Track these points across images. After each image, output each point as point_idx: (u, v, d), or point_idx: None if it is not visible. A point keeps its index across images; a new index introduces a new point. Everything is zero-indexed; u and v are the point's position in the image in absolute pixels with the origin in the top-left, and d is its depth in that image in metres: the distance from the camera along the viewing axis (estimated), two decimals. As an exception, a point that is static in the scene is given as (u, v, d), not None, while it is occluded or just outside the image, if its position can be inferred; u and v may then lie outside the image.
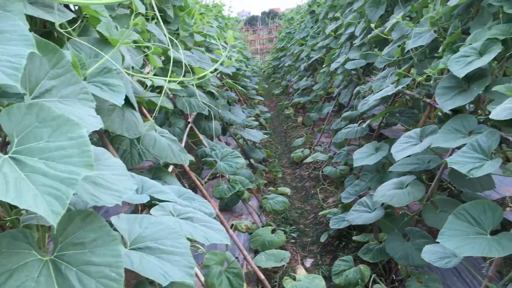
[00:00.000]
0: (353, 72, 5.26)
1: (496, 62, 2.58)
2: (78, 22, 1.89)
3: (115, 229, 1.21)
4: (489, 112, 2.06)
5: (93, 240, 0.95)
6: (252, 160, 5.05)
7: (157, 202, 1.51)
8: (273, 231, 3.39)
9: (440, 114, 2.77)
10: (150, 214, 1.41)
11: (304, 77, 8.55)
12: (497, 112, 1.96)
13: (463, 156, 2.00)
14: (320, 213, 3.95)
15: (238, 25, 18.71)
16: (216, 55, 4.70)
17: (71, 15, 1.71)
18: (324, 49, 7.29)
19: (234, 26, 16.73)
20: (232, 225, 3.22)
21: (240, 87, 5.32)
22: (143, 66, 2.86)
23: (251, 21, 43.48)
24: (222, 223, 2.78)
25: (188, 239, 1.37)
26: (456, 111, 2.76)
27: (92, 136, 2.60)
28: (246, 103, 8.03)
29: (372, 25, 3.96)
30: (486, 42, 2.36)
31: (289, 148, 6.63)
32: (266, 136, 6.85)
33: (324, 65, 6.56)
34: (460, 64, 2.40)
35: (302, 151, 5.83)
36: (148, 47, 2.57)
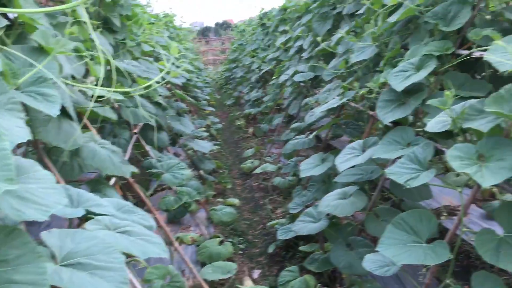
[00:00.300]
0: (302, 84, 5.36)
1: (433, 76, 2.71)
2: (13, 29, 1.83)
3: (45, 245, 1.17)
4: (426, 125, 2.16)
5: (17, 257, 0.91)
6: (201, 171, 5.01)
7: (93, 216, 1.47)
8: (220, 242, 3.37)
9: (380, 126, 2.85)
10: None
11: (255, 88, 8.62)
12: (432, 125, 2.05)
13: (401, 167, 2.07)
14: (269, 223, 3.97)
15: (190, 36, 18.67)
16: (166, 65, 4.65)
17: (4, 22, 1.64)
18: (275, 61, 7.40)
19: (187, 36, 16.68)
20: (177, 237, 3.17)
21: (189, 98, 5.28)
22: (87, 75, 2.79)
23: (204, 32, 43.55)
24: (167, 235, 2.74)
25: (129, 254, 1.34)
26: (397, 123, 2.86)
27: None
28: (197, 114, 7.99)
29: (319, 39, 4.05)
30: (423, 57, 2.47)
31: (239, 159, 6.64)
32: (216, 147, 6.83)
33: (274, 77, 6.64)
34: (399, 79, 2.50)
35: (252, 162, 5.85)
36: (92, 57, 2.51)
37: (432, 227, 1.93)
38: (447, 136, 2.16)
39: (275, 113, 7.13)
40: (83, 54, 2.23)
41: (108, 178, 2.35)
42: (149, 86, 2.66)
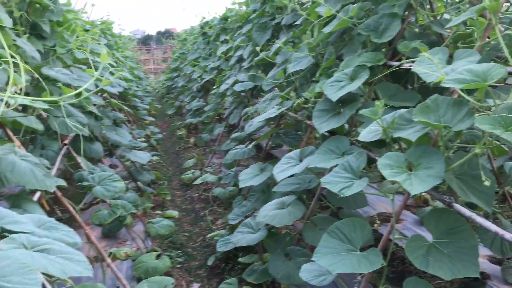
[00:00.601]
0: (243, 93, 5.36)
1: (368, 86, 2.78)
2: None
3: None
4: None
5: None
6: (139, 183, 4.86)
7: (8, 234, 1.35)
8: (158, 256, 3.26)
9: (317, 135, 2.88)
10: (-3, 249, 1.25)
11: (197, 98, 8.54)
12: (364, 134, 2.09)
13: (335, 176, 2.09)
14: (209, 235, 3.90)
15: (130, 44, 18.26)
16: (102, 73, 4.49)
17: None
18: (216, 70, 7.37)
19: (126, 44, 16.30)
20: (110, 253, 3.03)
21: (125, 107, 5.13)
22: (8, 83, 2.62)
23: (146, 40, 42.81)
24: (99, 251, 2.61)
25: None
26: (334, 133, 2.90)
27: None
28: (137, 124, 7.78)
29: (258, 49, 4.07)
30: (356, 68, 2.53)
31: (180, 170, 6.52)
32: (156, 157, 6.67)
33: (215, 87, 6.60)
34: (333, 88, 2.53)
35: (193, 173, 5.76)
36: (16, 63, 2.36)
37: (365, 235, 1.95)
38: (381, 145, 2.21)
39: (216, 123, 7.09)
40: (6, 60, 2.09)
41: (33, 192, 2.20)
42: (80, 94, 2.53)
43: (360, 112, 1.99)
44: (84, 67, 3.96)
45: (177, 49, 15.48)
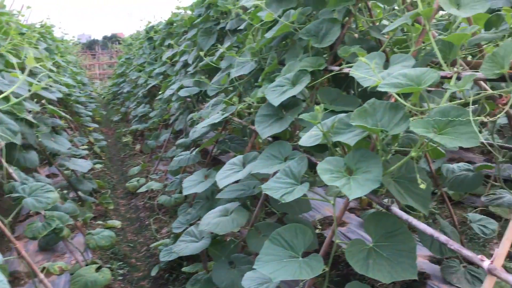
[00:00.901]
0: (188, 99, 5.27)
1: (310, 91, 2.78)
2: None
3: None
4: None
5: None
6: (80, 192, 4.66)
7: None
8: (98, 269, 3.11)
9: (260, 141, 2.85)
10: None
11: (142, 103, 8.34)
12: (305, 139, 2.08)
13: (277, 182, 2.06)
14: (152, 245, 3.78)
15: (74, 48, 17.68)
16: (39, 78, 4.27)
17: None
18: (162, 75, 7.22)
19: (70, 49, 15.76)
20: (43, 268, 2.86)
21: (64, 114, 4.90)
22: None
23: (91, 45, 41.62)
24: (30, 266, 2.45)
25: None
26: (278, 138, 2.89)
27: None
28: (79, 131, 7.49)
29: (202, 54, 4.00)
30: (298, 73, 2.52)
31: (125, 178, 6.32)
32: (99, 165, 6.45)
33: (161, 92, 6.46)
34: (276, 93, 2.52)
35: (138, 180, 5.60)
36: None
37: (307, 240, 1.94)
38: (323, 149, 2.21)
39: (162, 129, 6.95)
40: None
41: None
42: (7, 99, 2.38)
43: (301, 116, 1.97)
44: (17, 71, 3.75)
45: (123, 54, 15.10)
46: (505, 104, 1.61)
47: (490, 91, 1.60)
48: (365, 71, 1.95)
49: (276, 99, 2.47)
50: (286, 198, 1.92)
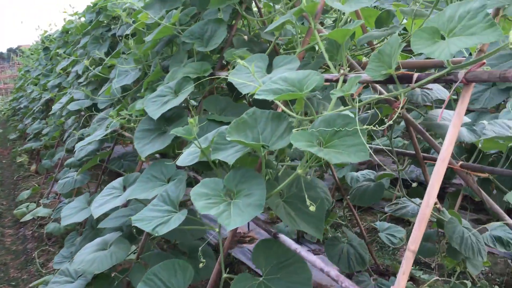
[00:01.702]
0: (82, 113, 4.77)
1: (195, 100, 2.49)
2: None
3: None
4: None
5: None
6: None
7: None
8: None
9: (143, 159, 2.49)
10: None
11: (38, 119, 7.60)
12: (183, 157, 1.77)
13: (152, 210, 1.73)
14: (33, 283, 3.27)
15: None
16: None
17: None
18: (57, 88, 6.59)
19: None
20: None
21: None
22: None
23: (-5, 58, 38.66)
24: None
25: None
26: (165, 155, 2.56)
27: None
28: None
29: (87, 62, 3.57)
30: (181, 80, 2.22)
31: (16, 203, 5.64)
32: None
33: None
34: (156, 104, 2.19)
35: (28, 206, 4.98)
36: None
37: (187, 279, 1.62)
38: (210, 167, 1.91)
39: (58, 147, 6.32)
40: None
41: None
42: None
43: (172, 131, 1.66)
44: None
45: (22, 67, 13.93)
46: (402, 107, 1.42)
47: (380, 96, 1.39)
48: (246, 76, 1.68)
49: (155, 112, 2.14)
50: (160, 231, 1.59)
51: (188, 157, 1.74)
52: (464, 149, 2.45)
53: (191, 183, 2.15)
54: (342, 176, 3.14)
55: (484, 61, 1.10)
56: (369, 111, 2.28)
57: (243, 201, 1.43)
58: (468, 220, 3.77)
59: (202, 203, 1.43)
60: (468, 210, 3.49)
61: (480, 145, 1.96)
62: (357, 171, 3.18)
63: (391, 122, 1.37)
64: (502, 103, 2.94)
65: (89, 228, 2.87)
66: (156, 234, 1.59)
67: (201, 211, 1.40)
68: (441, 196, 2.84)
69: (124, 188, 2.32)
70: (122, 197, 2.19)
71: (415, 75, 1.25)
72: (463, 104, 1.11)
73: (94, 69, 3.78)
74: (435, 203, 2.13)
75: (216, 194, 1.48)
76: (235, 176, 1.51)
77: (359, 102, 1.39)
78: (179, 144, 2.41)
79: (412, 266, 2.86)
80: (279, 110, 1.59)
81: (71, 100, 4.52)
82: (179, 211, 1.69)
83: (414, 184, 2.23)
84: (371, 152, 1.32)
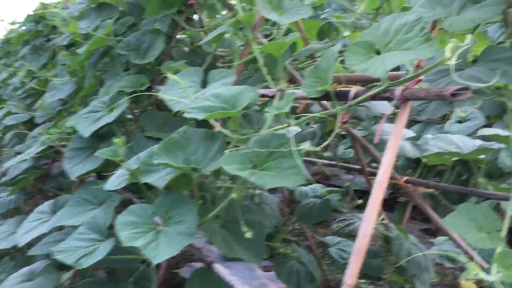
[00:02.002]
0: (22, 127, 4.50)
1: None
2: None
3: None
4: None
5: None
6: None
7: None
8: None
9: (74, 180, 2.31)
10: None
11: (-22, 134, 7.17)
12: (112, 180, 1.63)
13: (78, 239, 1.57)
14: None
15: None
16: None
17: None
18: (-3, 101, 6.25)
19: None
20: None
21: None
22: None
23: None
24: None
25: None
26: (101, 175, 2.39)
27: None
28: None
29: (22, 74, 3.35)
30: (115, 95, 2.07)
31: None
32: None
33: (-8, 121, 5.52)
34: (87, 121, 2.03)
35: (-39, 229, 4.62)
36: None
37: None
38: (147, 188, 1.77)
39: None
40: None
41: None
42: None
43: (96, 153, 1.52)
44: None
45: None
46: (345, 123, 1.34)
47: (315, 113, 1.30)
48: (179, 91, 1.56)
49: (86, 129, 1.98)
50: (84, 263, 1.44)
51: (117, 180, 1.60)
52: (412, 161, 2.43)
53: (127, 205, 2.01)
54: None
55: (422, 77, 1.03)
56: (314, 126, 2.21)
57: (173, 229, 1.30)
58: (418, 230, 3.77)
59: (127, 233, 1.30)
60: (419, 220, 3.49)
61: (425, 160, 1.91)
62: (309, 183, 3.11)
63: (330, 140, 1.29)
64: (448, 112, 2.95)
65: (21, 254, 2.65)
66: (80, 267, 1.44)
67: (125, 243, 1.26)
68: (391, 206, 2.82)
69: (55, 212, 2.13)
70: (49, 223, 2.00)
71: (352, 91, 1.17)
72: (400, 123, 1.04)
73: (30, 81, 3.55)
74: (382, 219, 2.08)
75: (145, 222, 1.35)
76: (166, 201, 1.38)
77: (297, 120, 1.30)
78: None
79: (363, 279, 2.82)
80: (216, 129, 1.49)
81: (8, 113, 4.26)
82: (107, 239, 1.55)
83: (360, 201, 2.18)
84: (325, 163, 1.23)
